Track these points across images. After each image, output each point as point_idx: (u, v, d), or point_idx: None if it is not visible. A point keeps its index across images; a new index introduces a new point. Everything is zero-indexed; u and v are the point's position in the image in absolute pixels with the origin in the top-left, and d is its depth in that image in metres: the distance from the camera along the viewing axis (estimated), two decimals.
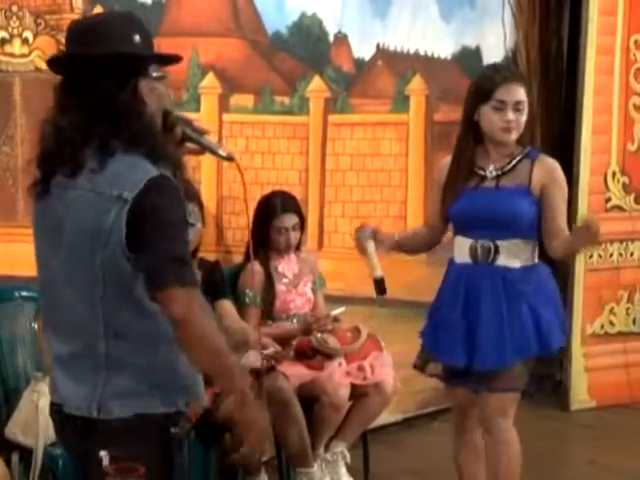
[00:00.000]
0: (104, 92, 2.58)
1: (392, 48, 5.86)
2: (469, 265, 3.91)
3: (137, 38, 2.62)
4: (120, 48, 2.59)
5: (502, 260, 3.85)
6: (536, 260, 3.94)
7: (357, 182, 5.69)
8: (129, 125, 2.59)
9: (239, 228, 5.22)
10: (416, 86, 5.89)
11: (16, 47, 4.54)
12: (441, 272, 4.14)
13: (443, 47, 6.08)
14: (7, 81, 4.53)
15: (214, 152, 2.87)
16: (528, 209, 3.85)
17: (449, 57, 6.12)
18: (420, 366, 4.15)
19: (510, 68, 4.13)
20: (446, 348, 3.94)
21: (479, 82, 3.97)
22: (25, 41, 4.55)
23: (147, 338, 2.63)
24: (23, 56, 4.56)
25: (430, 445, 4.33)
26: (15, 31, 4.53)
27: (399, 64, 5.88)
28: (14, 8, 4.51)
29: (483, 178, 3.91)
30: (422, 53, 5.98)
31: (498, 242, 3.84)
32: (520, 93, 3.87)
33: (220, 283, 4.79)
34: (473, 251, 3.88)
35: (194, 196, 4.35)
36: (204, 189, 5.14)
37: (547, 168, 3.91)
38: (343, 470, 4.81)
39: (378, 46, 5.80)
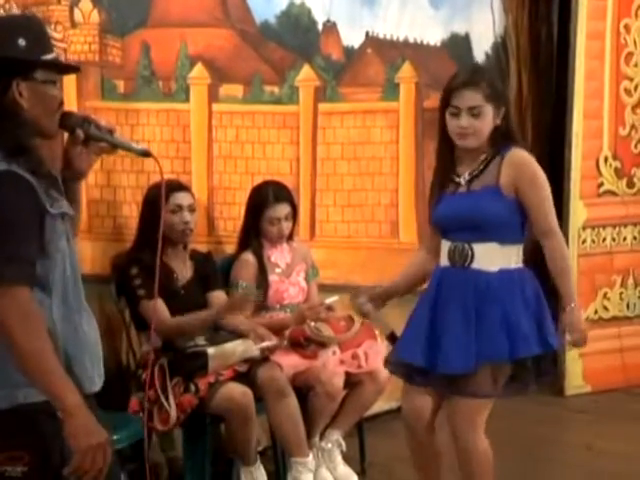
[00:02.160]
0: None
1: (381, 36, 5.84)
2: (447, 268, 3.87)
3: (22, 42, 2.66)
4: None
5: (477, 264, 3.79)
6: (518, 264, 3.85)
7: (348, 170, 5.67)
8: None
9: (230, 218, 5.20)
10: (406, 73, 5.87)
11: None
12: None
13: (432, 34, 6.06)
14: None
15: (128, 148, 2.92)
16: (498, 209, 3.78)
17: (438, 44, 6.10)
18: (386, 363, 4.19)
19: (472, 71, 4.10)
20: (409, 346, 3.90)
21: (444, 88, 3.95)
22: None
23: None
24: None
25: None
26: None
27: (389, 52, 5.86)
28: (0, 0, 4.48)
29: (459, 184, 3.89)
30: (411, 40, 5.96)
31: (474, 245, 3.79)
32: (474, 98, 3.80)
33: (212, 274, 4.79)
34: (451, 254, 3.85)
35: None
36: (195, 180, 5.13)
37: (514, 163, 3.80)
38: (339, 459, 4.81)
39: (367, 34, 5.78)
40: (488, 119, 3.84)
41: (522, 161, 3.83)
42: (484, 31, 6.31)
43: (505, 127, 3.88)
